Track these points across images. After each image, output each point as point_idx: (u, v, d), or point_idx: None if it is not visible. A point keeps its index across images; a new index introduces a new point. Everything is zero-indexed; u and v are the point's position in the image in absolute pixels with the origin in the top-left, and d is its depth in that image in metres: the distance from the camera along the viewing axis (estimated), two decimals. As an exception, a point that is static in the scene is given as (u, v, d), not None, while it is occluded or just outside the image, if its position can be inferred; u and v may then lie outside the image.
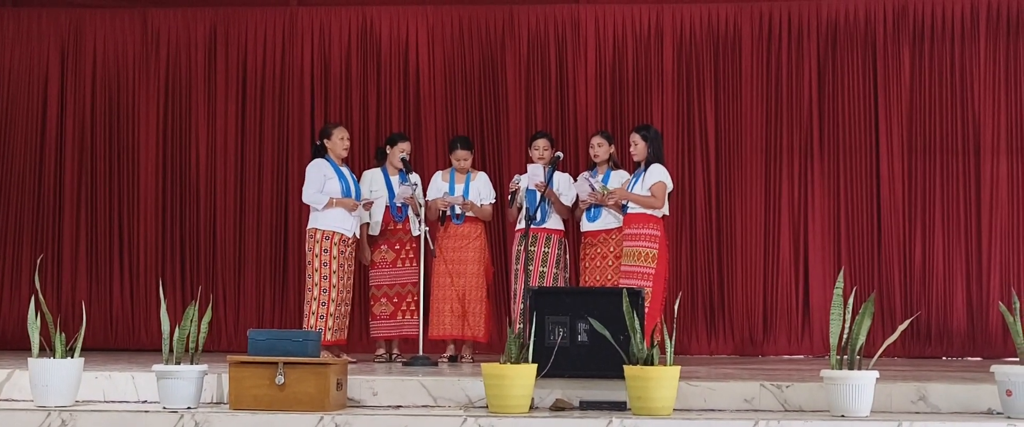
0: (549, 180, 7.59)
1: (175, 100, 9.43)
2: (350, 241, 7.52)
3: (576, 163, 8.83)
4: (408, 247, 7.87)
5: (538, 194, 7.57)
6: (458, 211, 7.78)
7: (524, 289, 7.17)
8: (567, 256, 7.81)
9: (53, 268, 9.26)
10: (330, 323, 7.37)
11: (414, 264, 7.81)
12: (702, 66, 9.20)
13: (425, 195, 7.85)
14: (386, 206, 7.85)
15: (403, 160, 7.78)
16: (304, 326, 7.40)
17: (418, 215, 7.71)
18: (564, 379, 6.03)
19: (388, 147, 7.96)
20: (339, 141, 7.62)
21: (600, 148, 7.75)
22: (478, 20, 9.32)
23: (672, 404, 5.68)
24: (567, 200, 7.77)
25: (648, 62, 9.21)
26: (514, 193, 7.78)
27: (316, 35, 9.40)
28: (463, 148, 7.90)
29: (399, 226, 7.87)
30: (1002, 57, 9.05)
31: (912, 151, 9.05)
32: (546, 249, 7.65)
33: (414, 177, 7.78)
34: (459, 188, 7.81)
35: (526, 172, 7.64)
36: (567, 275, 7.79)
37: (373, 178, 7.91)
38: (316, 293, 7.39)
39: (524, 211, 7.56)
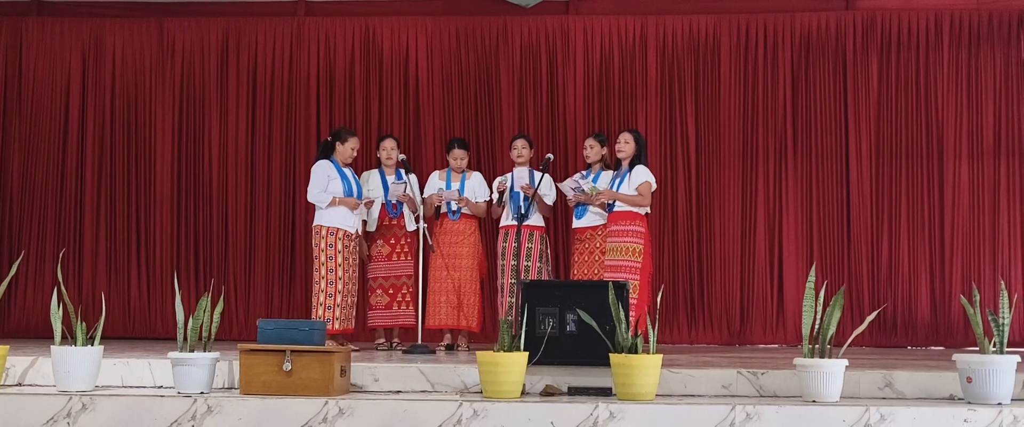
0: (532, 181, 7.60)
1: (189, 104, 9.41)
2: (353, 237, 7.52)
3: (565, 164, 8.83)
4: (403, 242, 7.87)
5: (521, 194, 7.58)
6: (454, 207, 7.78)
7: (511, 283, 7.18)
8: (549, 250, 7.82)
9: (74, 262, 9.24)
10: (337, 313, 7.37)
11: (409, 258, 7.83)
12: (684, 74, 9.21)
13: (422, 192, 7.86)
14: (382, 203, 7.84)
15: (402, 160, 7.80)
16: (312, 317, 7.39)
17: (414, 212, 7.72)
18: (554, 366, 6.04)
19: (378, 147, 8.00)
20: (350, 149, 7.60)
21: (592, 150, 7.75)
22: (474, 30, 9.31)
23: (655, 390, 5.68)
24: (549, 200, 7.79)
25: (633, 70, 9.21)
26: (501, 193, 7.79)
27: (322, 44, 9.39)
28: (460, 148, 7.91)
29: (394, 222, 7.86)
30: (964, 67, 9.07)
31: (880, 154, 9.06)
32: (529, 244, 7.64)
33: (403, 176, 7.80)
34: (455, 187, 7.81)
35: (512, 174, 7.68)
36: (549, 268, 7.80)
37: (370, 178, 7.91)
38: (323, 286, 7.38)
39: (507, 209, 7.58)
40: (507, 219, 7.65)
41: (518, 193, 7.62)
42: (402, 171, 7.84)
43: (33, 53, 9.45)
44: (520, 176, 7.63)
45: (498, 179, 7.85)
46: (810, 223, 9.07)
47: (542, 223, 7.78)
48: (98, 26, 9.46)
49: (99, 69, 9.44)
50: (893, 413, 5.37)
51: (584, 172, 7.75)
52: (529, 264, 7.61)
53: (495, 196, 7.83)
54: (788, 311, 8.90)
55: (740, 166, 9.12)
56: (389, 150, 7.86)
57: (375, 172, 7.95)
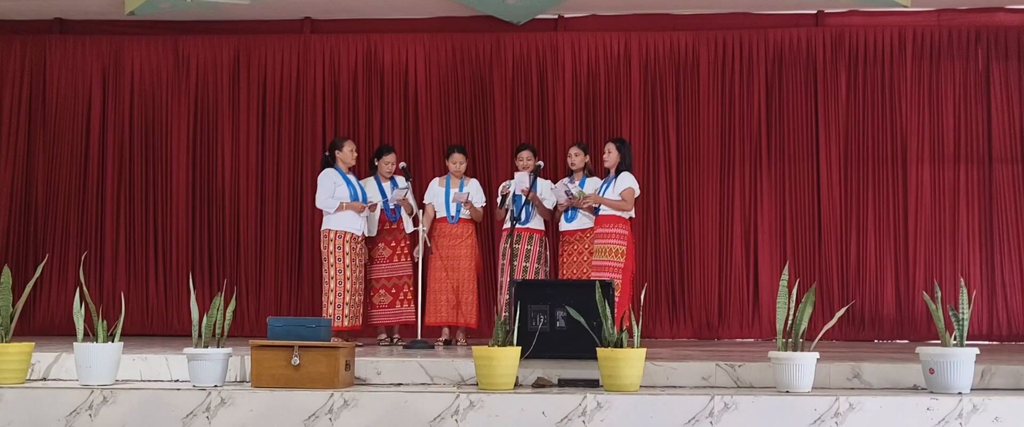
0: (533, 186, 7.61)
1: (203, 116, 9.39)
2: (359, 239, 7.54)
3: (554, 170, 8.83)
4: (403, 243, 7.88)
5: (523, 198, 7.58)
6: (453, 211, 7.78)
7: (509, 281, 7.18)
8: (547, 252, 7.82)
9: (96, 264, 9.22)
10: (346, 311, 7.37)
11: (408, 258, 7.83)
12: (665, 86, 9.21)
13: (423, 198, 7.87)
14: (380, 208, 7.84)
15: (403, 168, 7.81)
16: (323, 315, 7.38)
17: (410, 214, 7.73)
18: (545, 360, 6.04)
19: (376, 159, 7.98)
20: (349, 152, 7.65)
21: (577, 157, 7.77)
22: (469, 45, 9.31)
23: (639, 381, 5.69)
24: (548, 204, 7.78)
25: (618, 82, 9.22)
26: (503, 197, 7.78)
27: (327, 59, 9.38)
28: (458, 152, 7.93)
29: (394, 225, 7.88)
30: (926, 78, 9.10)
31: (848, 160, 9.08)
32: (529, 246, 7.65)
33: (403, 182, 7.80)
34: (454, 191, 7.81)
35: (514, 180, 7.67)
36: (547, 269, 7.80)
37: (366, 185, 7.90)
38: (333, 286, 7.39)
39: (510, 213, 7.58)
40: (508, 222, 7.64)
41: (520, 196, 7.62)
42: (401, 178, 7.85)
43: (56, 69, 9.43)
44: (521, 181, 7.63)
45: (503, 184, 7.86)
46: (783, 224, 9.08)
47: (542, 227, 7.78)
48: (117, 43, 9.44)
49: (118, 83, 9.42)
50: (861, 402, 5.38)
51: (569, 177, 7.75)
52: (528, 265, 7.62)
53: (499, 199, 7.83)
54: (763, 307, 8.91)
55: (718, 171, 9.12)
56: (390, 163, 7.88)
57: (371, 180, 7.95)
